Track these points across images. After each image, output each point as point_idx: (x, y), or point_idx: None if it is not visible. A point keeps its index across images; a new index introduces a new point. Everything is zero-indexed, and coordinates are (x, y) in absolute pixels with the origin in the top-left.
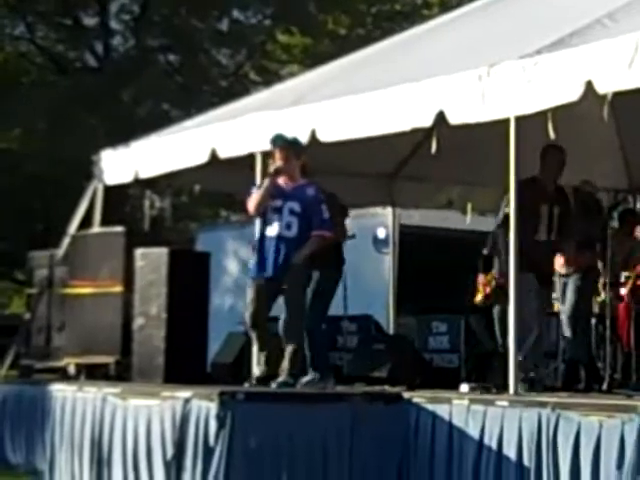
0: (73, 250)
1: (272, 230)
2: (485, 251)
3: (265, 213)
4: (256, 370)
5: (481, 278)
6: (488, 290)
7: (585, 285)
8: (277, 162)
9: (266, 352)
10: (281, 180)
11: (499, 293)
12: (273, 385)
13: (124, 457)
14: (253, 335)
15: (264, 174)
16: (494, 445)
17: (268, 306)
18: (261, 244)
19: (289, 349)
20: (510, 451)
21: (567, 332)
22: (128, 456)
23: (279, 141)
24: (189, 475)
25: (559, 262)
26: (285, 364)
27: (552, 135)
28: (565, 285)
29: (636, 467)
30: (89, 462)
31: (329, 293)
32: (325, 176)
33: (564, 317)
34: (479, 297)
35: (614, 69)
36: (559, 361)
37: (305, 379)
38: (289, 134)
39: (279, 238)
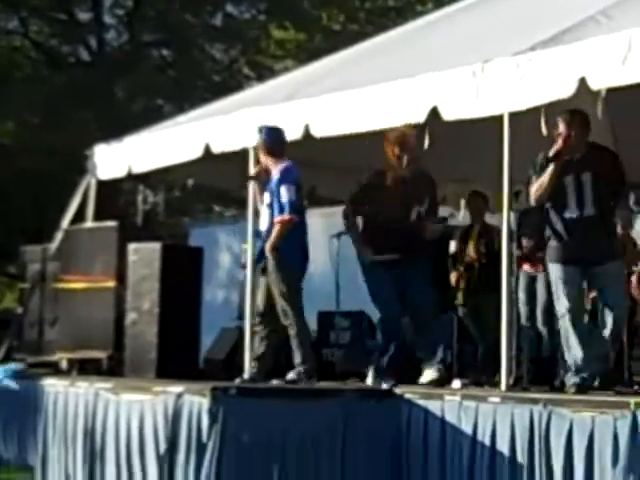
0: (66, 245)
1: (261, 225)
2: (452, 248)
3: None
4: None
5: (453, 276)
6: (462, 284)
7: None
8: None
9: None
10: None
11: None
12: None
13: (117, 452)
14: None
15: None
16: (487, 441)
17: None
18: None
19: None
20: (503, 447)
21: (540, 328)
22: (121, 451)
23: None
24: (181, 470)
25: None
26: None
27: (544, 131)
28: (533, 280)
29: (629, 463)
30: (82, 457)
31: (426, 282)
32: (318, 171)
33: (538, 312)
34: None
35: (607, 66)
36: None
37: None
38: (287, 129)
39: (259, 232)
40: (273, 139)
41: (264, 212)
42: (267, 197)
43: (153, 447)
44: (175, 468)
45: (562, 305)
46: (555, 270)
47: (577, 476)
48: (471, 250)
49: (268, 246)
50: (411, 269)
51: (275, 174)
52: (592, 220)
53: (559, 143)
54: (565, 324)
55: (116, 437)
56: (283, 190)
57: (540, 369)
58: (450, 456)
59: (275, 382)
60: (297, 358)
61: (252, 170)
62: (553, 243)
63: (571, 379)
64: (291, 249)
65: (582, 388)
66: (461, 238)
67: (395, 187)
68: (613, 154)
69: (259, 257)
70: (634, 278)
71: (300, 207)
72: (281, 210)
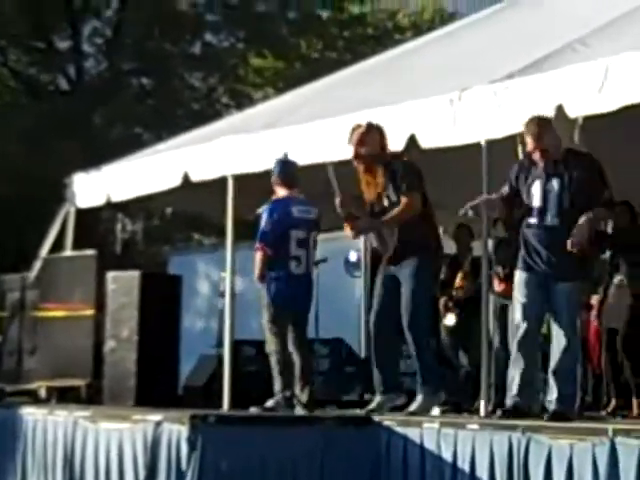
0: (45, 273)
1: None
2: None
3: None
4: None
5: (442, 301)
6: (451, 313)
7: None
8: None
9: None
10: None
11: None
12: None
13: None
14: None
15: (235, 197)
16: (466, 468)
17: None
18: None
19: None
20: (482, 474)
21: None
22: (103, 478)
23: None
24: None
25: (495, 282)
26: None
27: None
28: (504, 307)
29: None
30: None
31: (425, 286)
32: None
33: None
34: (450, 318)
35: (584, 93)
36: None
37: (412, 407)
38: (266, 157)
39: None
40: (283, 171)
41: None
42: None
43: (132, 475)
44: None
45: (517, 313)
46: (517, 276)
47: None
48: (461, 277)
49: (255, 275)
50: (401, 276)
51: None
52: (553, 230)
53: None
54: (518, 334)
55: (95, 465)
56: (263, 220)
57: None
58: None
59: (253, 410)
60: (276, 386)
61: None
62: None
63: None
64: (272, 280)
65: (558, 416)
66: (449, 266)
67: (366, 190)
68: (591, 158)
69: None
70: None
71: (273, 240)
72: (258, 239)
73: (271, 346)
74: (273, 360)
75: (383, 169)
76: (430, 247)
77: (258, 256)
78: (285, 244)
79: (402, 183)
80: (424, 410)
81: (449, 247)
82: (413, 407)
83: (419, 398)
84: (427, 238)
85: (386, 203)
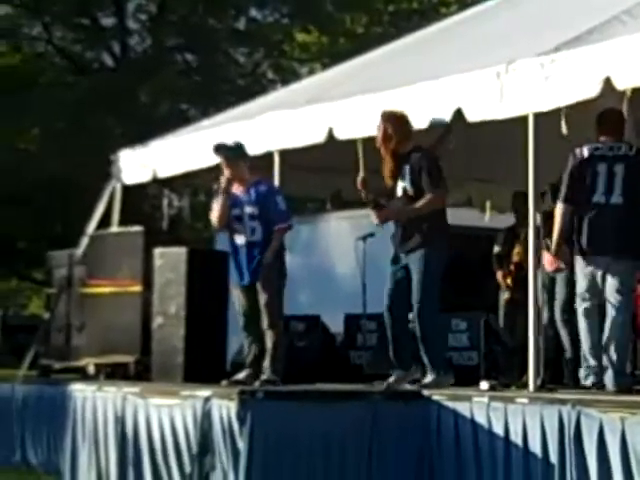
0: (92, 250)
1: (240, 238)
2: (496, 249)
3: (230, 223)
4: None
5: (499, 274)
6: (510, 282)
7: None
8: (225, 173)
9: (252, 354)
10: (235, 188)
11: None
12: (256, 384)
13: (150, 456)
14: (245, 338)
15: (281, 173)
16: (519, 442)
17: (255, 309)
18: (235, 253)
19: (268, 345)
20: (535, 447)
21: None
22: (153, 454)
23: (221, 151)
24: (211, 472)
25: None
26: (267, 361)
27: (565, 131)
28: (552, 280)
29: None
30: (114, 461)
31: (432, 276)
32: (341, 174)
33: (557, 311)
34: (506, 295)
35: (632, 65)
36: None
37: (425, 380)
38: (311, 132)
39: (248, 245)
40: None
41: (248, 224)
42: (249, 209)
43: (184, 450)
44: (205, 470)
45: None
46: None
47: (616, 476)
48: (517, 252)
49: (270, 254)
50: (410, 263)
51: (262, 186)
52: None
53: None
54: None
55: (149, 441)
56: (280, 199)
57: (560, 369)
58: (481, 457)
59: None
60: (270, 361)
61: (223, 183)
62: None
63: (586, 377)
64: (282, 257)
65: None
66: (507, 238)
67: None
68: None
69: (255, 270)
70: None
71: None
72: (281, 219)
73: (280, 321)
74: (275, 338)
75: (394, 159)
76: (439, 238)
77: (286, 234)
78: None
79: (428, 178)
80: (436, 386)
81: (500, 221)
82: (427, 380)
83: (430, 376)
84: (437, 229)
85: (400, 194)
